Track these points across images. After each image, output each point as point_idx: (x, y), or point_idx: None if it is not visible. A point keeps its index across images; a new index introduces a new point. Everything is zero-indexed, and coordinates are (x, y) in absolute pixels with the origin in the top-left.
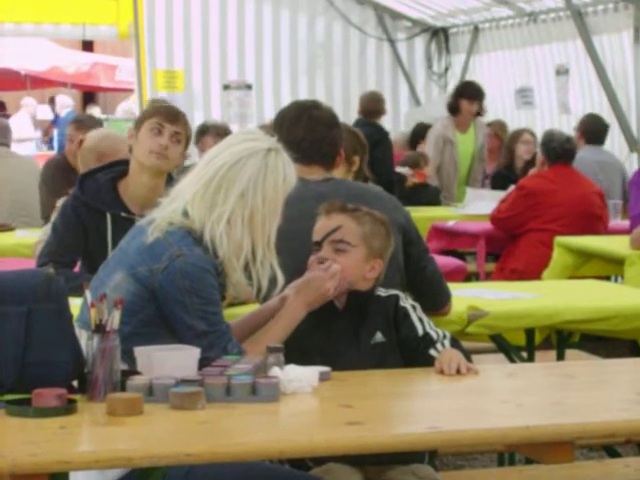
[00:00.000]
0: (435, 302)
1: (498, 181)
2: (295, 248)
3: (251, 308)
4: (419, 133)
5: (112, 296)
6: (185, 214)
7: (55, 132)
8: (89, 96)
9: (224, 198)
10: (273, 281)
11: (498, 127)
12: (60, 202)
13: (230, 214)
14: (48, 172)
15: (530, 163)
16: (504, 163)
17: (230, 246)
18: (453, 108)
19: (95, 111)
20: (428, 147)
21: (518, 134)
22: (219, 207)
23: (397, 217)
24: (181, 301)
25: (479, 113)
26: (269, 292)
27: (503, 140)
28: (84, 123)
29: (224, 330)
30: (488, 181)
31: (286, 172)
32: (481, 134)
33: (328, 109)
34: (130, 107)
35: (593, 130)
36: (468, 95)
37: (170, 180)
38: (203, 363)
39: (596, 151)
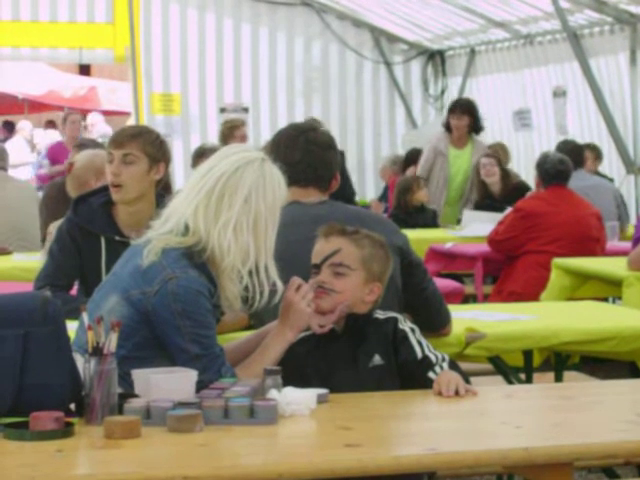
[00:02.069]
0: (436, 323)
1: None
2: (293, 271)
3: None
4: (411, 158)
5: (108, 319)
6: (186, 229)
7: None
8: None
9: (229, 204)
10: (272, 291)
11: (499, 148)
12: (53, 227)
13: (236, 221)
14: (50, 194)
15: (507, 183)
16: (479, 194)
17: (237, 253)
18: (446, 125)
19: None
20: (421, 159)
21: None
22: (224, 214)
23: (395, 240)
24: (174, 324)
25: (475, 130)
26: (269, 302)
27: (503, 162)
28: (87, 147)
29: (218, 353)
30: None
31: (280, 179)
32: (478, 154)
33: (325, 131)
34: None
35: (569, 156)
36: (455, 110)
37: (161, 198)
38: (197, 386)
39: (578, 176)
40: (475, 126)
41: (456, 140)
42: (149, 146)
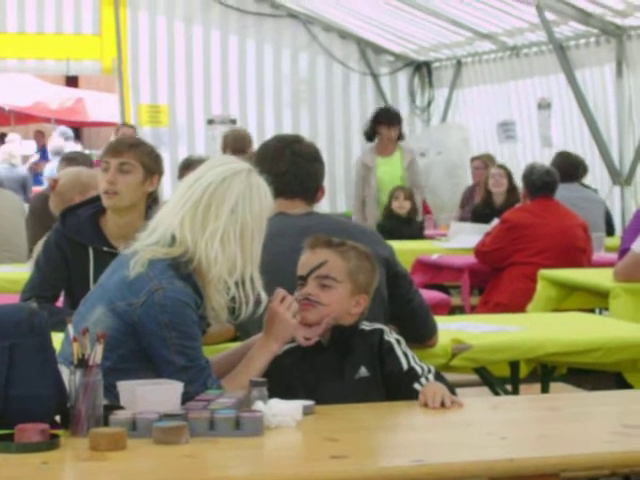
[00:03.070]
0: (422, 334)
1: (476, 218)
2: (279, 282)
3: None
4: None
5: (93, 331)
6: (172, 240)
7: (47, 167)
8: (73, 131)
9: (215, 215)
10: (257, 301)
11: (487, 159)
12: (41, 242)
13: (223, 231)
14: (37, 205)
15: (511, 197)
16: (482, 200)
17: (224, 264)
18: (370, 134)
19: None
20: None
21: (489, 169)
22: (211, 224)
23: (381, 251)
24: (160, 336)
25: (400, 137)
26: (254, 312)
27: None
28: (75, 160)
29: (203, 366)
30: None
31: (266, 190)
32: (407, 158)
33: (310, 143)
34: None
35: (563, 168)
36: (386, 121)
37: (149, 210)
38: (183, 398)
39: (570, 188)
40: (401, 135)
41: (382, 149)
42: (146, 157)
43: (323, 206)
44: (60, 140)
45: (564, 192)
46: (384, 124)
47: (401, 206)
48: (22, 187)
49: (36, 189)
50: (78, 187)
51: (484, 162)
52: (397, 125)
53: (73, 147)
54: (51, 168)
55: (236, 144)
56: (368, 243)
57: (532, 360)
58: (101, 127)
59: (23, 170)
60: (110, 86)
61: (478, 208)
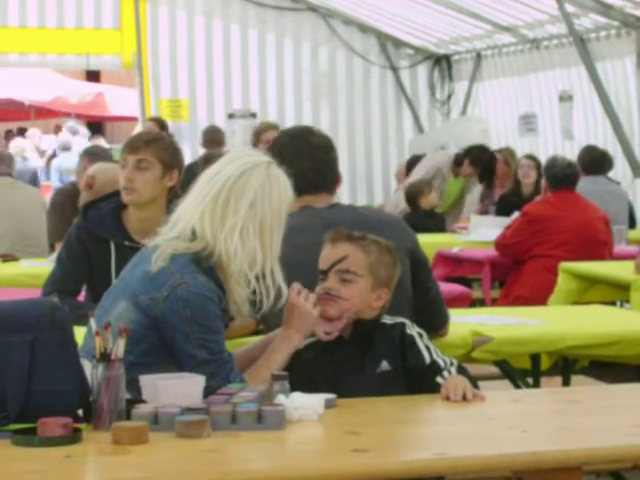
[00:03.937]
0: (436, 323)
1: (502, 206)
2: (303, 275)
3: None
4: (413, 164)
5: (116, 325)
6: (193, 235)
7: (54, 161)
8: (94, 126)
9: (234, 209)
10: (278, 295)
11: (507, 153)
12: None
13: (242, 225)
14: (58, 199)
15: (539, 188)
16: (510, 189)
17: (244, 258)
18: (457, 160)
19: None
20: (419, 169)
21: (519, 159)
22: (230, 218)
23: (405, 241)
24: (182, 330)
25: (481, 179)
26: (274, 305)
27: (512, 167)
28: (97, 155)
29: (226, 359)
30: (494, 207)
31: (286, 183)
32: (471, 185)
33: (322, 133)
34: None
35: (589, 161)
36: (467, 159)
37: (170, 204)
38: (206, 392)
39: (595, 181)
40: (482, 177)
41: (455, 170)
42: (163, 152)
43: (343, 200)
44: (67, 135)
45: (589, 185)
46: (464, 159)
47: (428, 201)
48: (32, 181)
49: (44, 184)
50: (110, 183)
51: (504, 156)
52: (474, 166)
53: (81, 141)
54: (59, 163)
55: (206, 136)
56: (391, 235)
57: (553, 353)
58: (122, 122)
59: (33, 164)
60: (132, 81)
61: (506, 196)
